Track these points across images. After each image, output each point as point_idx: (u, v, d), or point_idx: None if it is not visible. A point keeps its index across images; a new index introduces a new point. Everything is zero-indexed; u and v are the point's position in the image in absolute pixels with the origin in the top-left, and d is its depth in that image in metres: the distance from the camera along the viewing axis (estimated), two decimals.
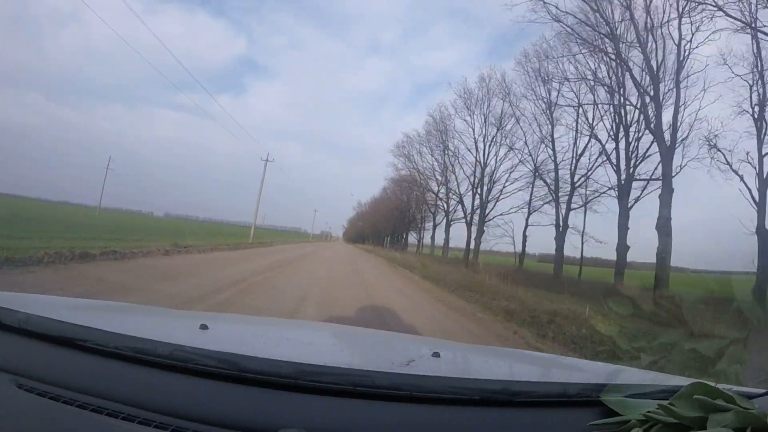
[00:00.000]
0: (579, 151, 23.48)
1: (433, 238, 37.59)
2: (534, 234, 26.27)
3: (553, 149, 24.55)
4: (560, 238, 23.30)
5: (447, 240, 34.45)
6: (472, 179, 29.79)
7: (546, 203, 25.33)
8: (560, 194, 24.17)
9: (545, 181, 25.06)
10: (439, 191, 35.80)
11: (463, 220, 31.69)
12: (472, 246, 28.90)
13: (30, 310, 1.00)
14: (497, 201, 28.37)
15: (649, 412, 0.80)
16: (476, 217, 29.14)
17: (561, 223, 23.35)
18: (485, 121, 28.41)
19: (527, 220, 26.19)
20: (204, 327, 1.19)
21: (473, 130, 29.19)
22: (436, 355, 1.20)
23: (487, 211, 28.48)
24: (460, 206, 32.44)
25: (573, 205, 23.44)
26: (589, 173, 22.78)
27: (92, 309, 1.44)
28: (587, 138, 22.83)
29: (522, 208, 26.86)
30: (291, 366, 0.86)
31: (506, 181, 27.91)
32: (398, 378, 0.89)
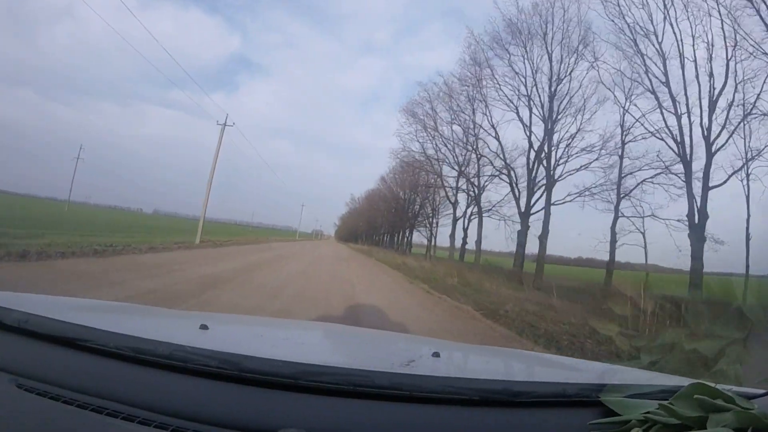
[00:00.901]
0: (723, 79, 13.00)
1: (452, 236, 26.18)
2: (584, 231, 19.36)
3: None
4: (698, 236, 13.53)
5: (479, 239, 23.03)
6: (528, 137, 19.52)
7: (640, 183, 16.45)
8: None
9: (674, 144, 14.56)
10: (464, 166, 24.46)
11: (489, 213, 22.21)
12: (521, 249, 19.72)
13: (30, 310, 1.00)
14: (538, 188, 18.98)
15: (649, 412, 0.80)
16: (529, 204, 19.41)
17: (697, 210, 13.85)
18: (551, 56, 18.69)
19: (617, 208, 17.24)
20: (204, 327, 1.19)
21: (530, 71, 19.28)
22: (436, 355, 1.20)
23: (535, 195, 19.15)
24: (486, 196, 22.93)
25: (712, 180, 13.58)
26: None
27: (92, 309, 1.44)
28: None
29: (590, 192, 17.84)
30: (291, 366, 0.86)
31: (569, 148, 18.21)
32: (398, 378, 0.89)
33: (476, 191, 23.95)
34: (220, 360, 0.86)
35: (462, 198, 26.03)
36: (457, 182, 25.83)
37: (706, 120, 13.80)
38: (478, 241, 23.06)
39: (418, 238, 37.61)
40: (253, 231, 65.88)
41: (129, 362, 0.90)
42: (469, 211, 25.18)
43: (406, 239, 40.34)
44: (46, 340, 0.95)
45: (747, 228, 13.32)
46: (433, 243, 32.15)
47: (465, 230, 25.14)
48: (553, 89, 18.98)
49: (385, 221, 46.46)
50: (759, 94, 12.74)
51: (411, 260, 21.59)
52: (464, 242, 24.92)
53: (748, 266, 12.73)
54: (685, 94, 14.46)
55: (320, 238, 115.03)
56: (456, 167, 25.24)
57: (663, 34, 14.94)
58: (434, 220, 32.40)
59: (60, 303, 1.45)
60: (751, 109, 13.10)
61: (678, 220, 15.01)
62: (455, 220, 25.97)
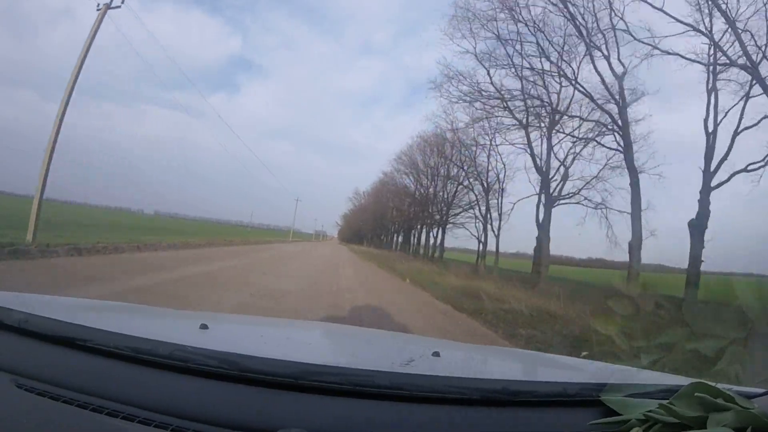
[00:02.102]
0: None
1: (541, 237, 15.08)
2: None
3: None
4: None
5: (637, 237, 12.03)
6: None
7: None
8: None
9: None
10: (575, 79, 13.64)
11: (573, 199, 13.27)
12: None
13: (30, 309, 1.00)
14: None
15: (649, 411, 0.80)
16: None
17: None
18: None
19: None
20: (204, 327, 1.19)
21: None
22: (437, 354, 1.20)
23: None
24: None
25: None
26: None
27: (92, 309, 1.44)
28: None
29: None
30: (291, 366, 0.86)
31: None
32: (399, 378, 0.89)
33: (623, 140, 12.01)
34: (221, 360, 0.86)
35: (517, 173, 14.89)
36: (554, 121, 13.57)
37: None
38: (635, 243, 11.30)
39: (429, 238, 27.27)
40: (250, 232, 63.63)
41: (129, 362, 0.89)
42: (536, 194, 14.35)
43: (434, 240, 28.55)
44: (46, 340, 0.95)
45: None
46: (495, 245, 19.62)
47: (541, 223, 14.51)
48: None
49: (400, 216, 34.33)
50: None
51: (489, 285, 10.47)
52: (543, 246, 14.00)
53: None
54: None
55: (322, 240, 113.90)
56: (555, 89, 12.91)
57: None
58: (493, 209, 19.98)
59: (60, 303, 1.45)
60: None
61: None
62: (549, 203, 14.15)
